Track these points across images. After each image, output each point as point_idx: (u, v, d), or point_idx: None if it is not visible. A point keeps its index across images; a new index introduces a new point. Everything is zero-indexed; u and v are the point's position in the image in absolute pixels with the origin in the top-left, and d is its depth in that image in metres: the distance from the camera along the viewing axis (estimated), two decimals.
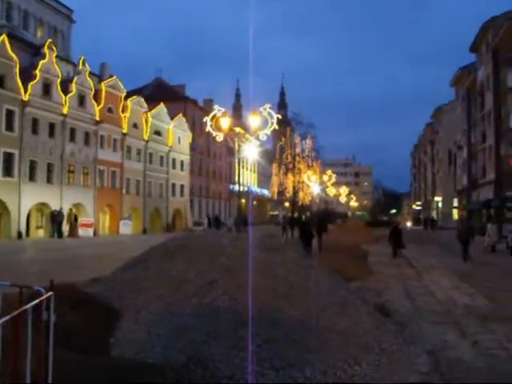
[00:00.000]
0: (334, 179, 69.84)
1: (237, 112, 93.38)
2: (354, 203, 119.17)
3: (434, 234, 54.36)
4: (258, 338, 6.14)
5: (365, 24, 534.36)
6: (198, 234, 15.19)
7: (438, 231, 58.61)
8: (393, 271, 18.72)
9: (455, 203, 77.21)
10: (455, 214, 77.89)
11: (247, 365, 5.81)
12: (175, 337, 6.30)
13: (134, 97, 53.24)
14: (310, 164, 68.43)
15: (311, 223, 31.94)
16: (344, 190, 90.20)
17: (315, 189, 59.74)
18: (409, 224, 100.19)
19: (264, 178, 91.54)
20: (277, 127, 24.75)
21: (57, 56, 42.76)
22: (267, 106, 24.52)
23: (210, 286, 7.02)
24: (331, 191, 75.76)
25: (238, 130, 29.17)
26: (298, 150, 71.51)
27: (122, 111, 50.54)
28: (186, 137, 64.25)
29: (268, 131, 24.84)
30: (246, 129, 28.03)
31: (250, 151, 28.95)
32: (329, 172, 68.88)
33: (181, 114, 62.54)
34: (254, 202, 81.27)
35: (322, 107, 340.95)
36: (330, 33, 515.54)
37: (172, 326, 6.48)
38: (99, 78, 49.24)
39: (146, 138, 54.90)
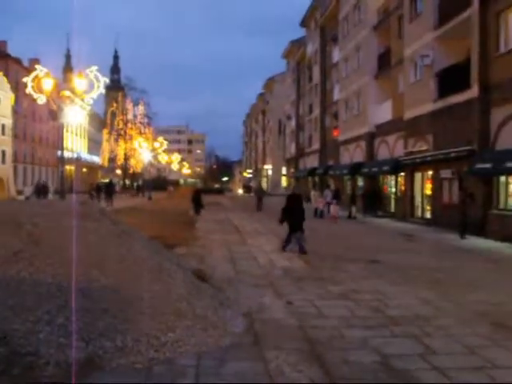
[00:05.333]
0: (165, 146, 69.22)
1: (67, 74, 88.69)
2: (186, 170, 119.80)
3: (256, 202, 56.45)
4: (66, 309, 5.84)
5: None
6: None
7: (266, 198, 60.67)
8: (219, 237, 19.06)
9: (284, 171, 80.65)
10: (284, 181, 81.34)
11: (54, 338, 5.52)
12: None
13: None
14: (142, 131, 67.40)
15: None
16: (176, 157, 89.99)
17: (147, 156, 58.88)
18: (240, 191, 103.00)
19: (95, 145, 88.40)
20: (103, 91, 23.88)
21: None
22: (93, 68, 23.47)
23: (16, 256, 6.54)
24: (163, 158, 75.15)
25: (65, 92, 27.70)
26: (130, 116, 70.04)
27: None
28: (8, 98, 59.64)
29: (94, 95, 23.83)
30: (74, 92, 26.77)
31: (76, 115, 27.66)
32: (160, 139, 68.08)
33: (1, 73, 57.90)
34: (84, 169, 78.25)
35: (157, 73, 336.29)
36: None
37: None
38: None
39: None
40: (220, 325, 6.79)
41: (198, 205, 29.85)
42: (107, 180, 66.69)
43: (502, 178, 21.16)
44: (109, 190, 39.60)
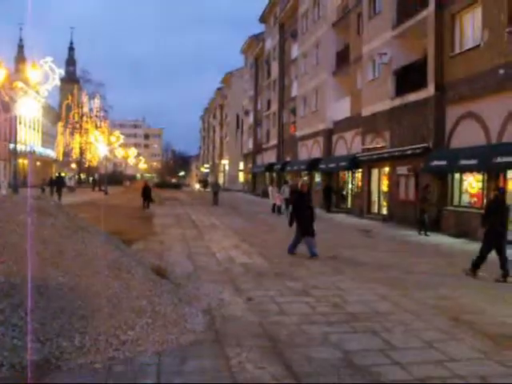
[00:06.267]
0: (122, 140, 68.21)
1: (20, 65, 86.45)
2: (143, 165, 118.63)
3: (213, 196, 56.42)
4: (21, 309, 5.65)
5: None
6: None
7: (223, 193, 60.58)
8: (177, 232, 18.92)
9: (241, 166, 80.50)
10: (241, 176, 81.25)
11: (7, 339, 5.32)
12: None
13: None
14: (98, 124, 66.32)
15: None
16: (132, 151, 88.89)
17: (103, 150, 57.92)
18: (197, 186, 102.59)
19: (49, 138, 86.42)
20: (59, 83, 23.33)
21: None
22: (48, 59, 22.92)
23: None
24: (119, 153, 74.07)
25: (18, 83, 26.98)
26: (85, 110, 68.85)
27: None
28: None
29: (49, 87, 23.24)
30: (28, 83, 26.10)
31: (29, 108, 26.96)
32: (116, 133, 67.03)
33: None
34: (38, 163, 76.47)
35: (113, 66, 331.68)
36: None
37: None
38: None
39: None
40: (180, 322, 6.69)
41: (147, 199, 30.98)
42: (63, 174, 65.59)
43: (457, 176, 21.58)
44: (58, 184, 39.02)
